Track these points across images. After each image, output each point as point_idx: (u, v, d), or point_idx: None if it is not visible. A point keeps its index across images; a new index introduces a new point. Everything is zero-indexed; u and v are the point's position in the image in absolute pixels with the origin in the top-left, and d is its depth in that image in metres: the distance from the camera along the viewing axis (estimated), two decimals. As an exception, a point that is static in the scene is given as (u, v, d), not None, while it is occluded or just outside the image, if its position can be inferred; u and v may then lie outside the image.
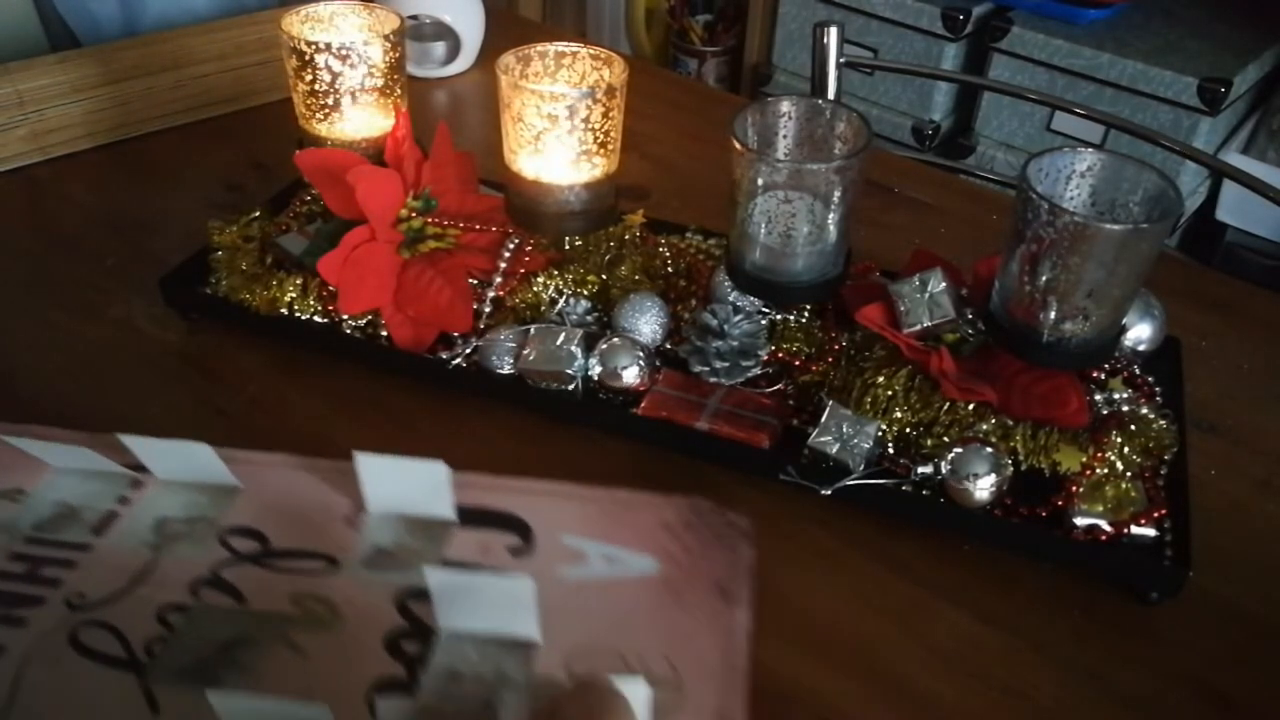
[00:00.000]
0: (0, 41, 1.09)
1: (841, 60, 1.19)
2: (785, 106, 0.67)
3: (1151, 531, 0.58)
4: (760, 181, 0.64)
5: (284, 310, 0.73)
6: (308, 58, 0.76)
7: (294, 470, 0.64)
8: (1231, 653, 0.56)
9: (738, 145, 0.64)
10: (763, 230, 0.66)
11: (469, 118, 0.78)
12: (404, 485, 0.59)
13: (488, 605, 0.52)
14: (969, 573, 0.60)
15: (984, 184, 1.22)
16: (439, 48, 1.15)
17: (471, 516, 0.61)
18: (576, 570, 0.58)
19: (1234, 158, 1.88)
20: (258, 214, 0.80)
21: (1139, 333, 0.67)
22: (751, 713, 0.51)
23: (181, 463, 0.61)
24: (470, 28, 1.15)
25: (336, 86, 0.77)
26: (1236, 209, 1.93)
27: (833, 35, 1.17)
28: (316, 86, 0.77)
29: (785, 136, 0.68)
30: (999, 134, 2.03)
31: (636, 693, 0.43)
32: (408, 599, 0.56)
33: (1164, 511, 0.58)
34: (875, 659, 0.55)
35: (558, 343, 0.68)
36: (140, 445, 0.61)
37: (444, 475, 0.58)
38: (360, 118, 0.79)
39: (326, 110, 0.78)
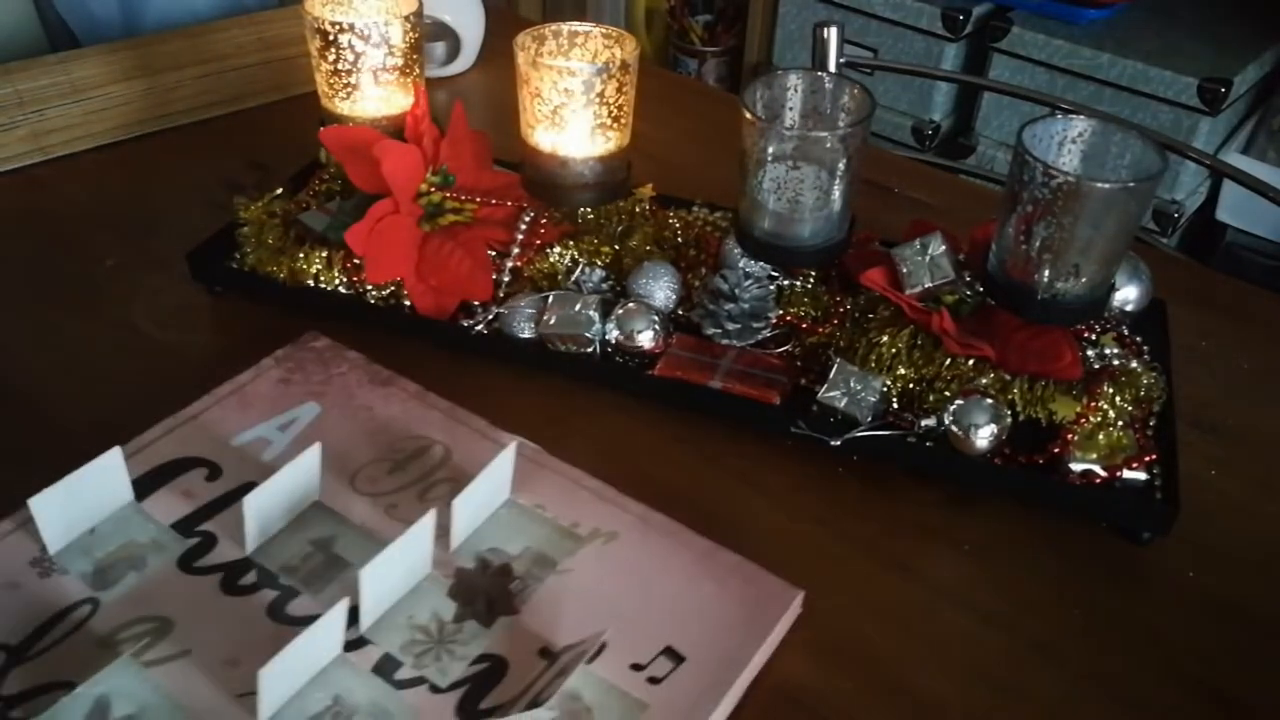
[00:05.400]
0: (0, 42, 1.09)
1: (841, 60, 1.21)
2: (792, 79, 0.70)
3: (1142, 475, 0.61)
4: (769, 151, 0.67)
5: (310, 282, 0.76)
6: (331, 38, 0.79)
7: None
8: (1231, 653, 0.57)
9: (748, 116, 0.67)
10: (771, 198, 0.69)
11: (471, 117, 0.80)
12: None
13: None
14: (969, 573, 0.61)
15: (984, 184, 1.24)
16: (439, 48, 1.15)
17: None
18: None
19: (1234, 158, 1.90)
20: (280, 191, 0.83)
21: (1127, 294, 0.70)
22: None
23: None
24: (470, 27, 1.14)
25: (359, 66, 0.80)
26: (1236, 209, 1.94)
27: (833, 35, 1.19)
28: (339, 66, 0.80)
29: (792, 108, 0.71)
30: (999, 134, 2.06)
31: None
32: None
33: (1154, 456, 0.61)
34: (875, 659, 0.56)
35: (576, 308, 0.71)
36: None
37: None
38: (380, 96, 0.82)
39: (349, 89, 0.81)
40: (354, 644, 0.54)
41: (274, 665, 0.49)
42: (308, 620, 0.53)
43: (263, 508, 0.59)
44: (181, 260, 0.79)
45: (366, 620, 0.55)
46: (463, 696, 0.52)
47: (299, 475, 0.60)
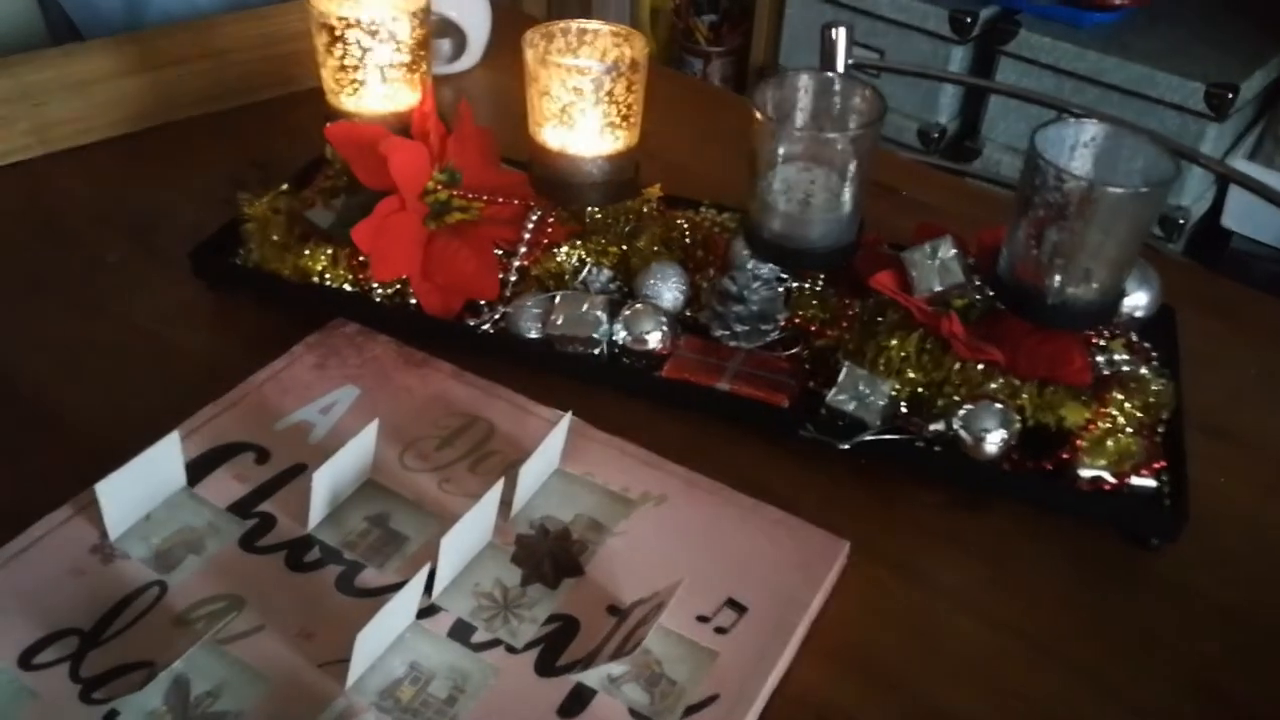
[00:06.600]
0: (2, 35, 1.09)
1: (849, 62, 1.21)
2: (803, 80, 0.70)
3: (1151, 482, 0.61)
4: (780, 152, 0.67)
5: (314, 279, 0.76)
6: (338, 33, 0.78)
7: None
8: (1240, 659, 0.57)
9: (758, 116, 0.66)
10: (781, 199, 0.69)
11: (476, 115, 0.79)
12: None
13: None
14: (977, 578, 0.61)
15: (990, 188, 1.24)
16: (445, 45, 1.15)
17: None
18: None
19: (1240, 164, 1.90)
20: (284, 187, 0.82)
21: (1136, 299, 0.70)
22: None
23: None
24: (476, 25, 1.14)
25: (365, 62, 0.79)
26: (1242, 215, 1.94)
27: (841, 36, 1.19)
28: (346, 62, 0.79)
29: (803, 109, 0.70)
30: (1005, 137, 2.05)
31: None
32: None
33: (1163, 463, 0.61)
34: (878, 661, 0.56)
35: (583, 309, 0.70)
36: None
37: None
38: (387, 93, 0.81)
39: (355, 86, 0.80)
40: (424, 612, 0.56)
41: (369, 630, 0.51)
42: (378, 592, 0.56)
43: (328, 484, 0.60)
44: (185, 256, 0.79)
45: (440, 588, 0.57)
46: (540, 654, 0.54)
47: (358, 452, 0.62)
